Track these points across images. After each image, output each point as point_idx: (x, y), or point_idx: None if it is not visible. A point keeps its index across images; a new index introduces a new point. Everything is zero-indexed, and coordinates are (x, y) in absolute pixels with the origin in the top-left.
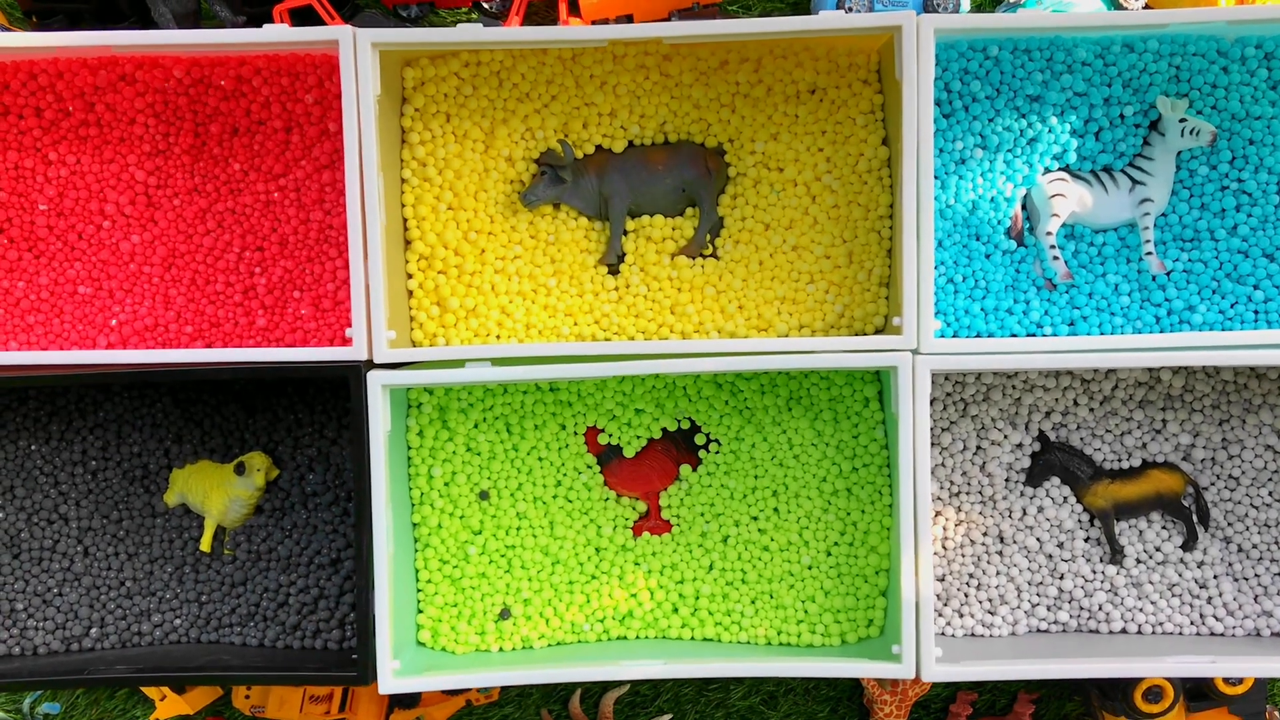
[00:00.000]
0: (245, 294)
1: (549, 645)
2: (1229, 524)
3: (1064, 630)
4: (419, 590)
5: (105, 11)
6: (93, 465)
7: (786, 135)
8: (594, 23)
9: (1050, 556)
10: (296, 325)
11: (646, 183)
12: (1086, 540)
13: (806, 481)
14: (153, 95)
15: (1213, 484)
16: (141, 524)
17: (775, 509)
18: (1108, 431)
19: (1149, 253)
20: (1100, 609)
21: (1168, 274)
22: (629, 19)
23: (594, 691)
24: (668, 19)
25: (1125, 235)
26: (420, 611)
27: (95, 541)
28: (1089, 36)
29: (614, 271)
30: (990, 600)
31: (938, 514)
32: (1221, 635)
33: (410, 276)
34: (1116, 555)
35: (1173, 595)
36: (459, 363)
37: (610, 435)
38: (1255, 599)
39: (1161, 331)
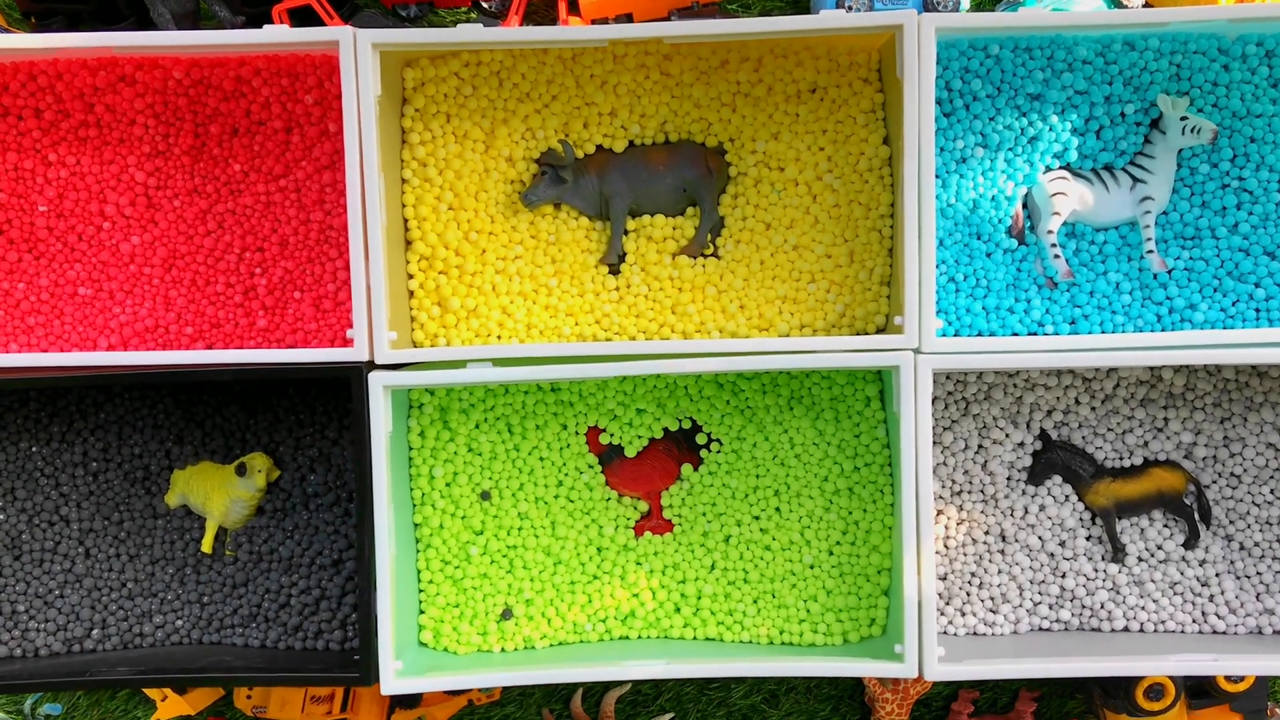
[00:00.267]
0: (246, 295)
1: (551, 645)
2: (1230, 522)
3: (1066, 629)
4: (421, 591)
5: (104, 12)
6: (94, 467)
7: (787, 134)
8: (594, 22)
9: (1052, 555)
10: (297, 326)
11: (647, 182)
12: (1088, 539)
13: (808, 481)
14: (152, 96)
15: (1214, 482)
16: (143, 525)
17: (777, 508)
18: (1109, 430)
19: (1150, 251)
20: (1102, 607)
21: (1169, 272)
22: (629, 18)
23: (596, 691)
24: (668, 18)
25: (1126, 233)
26: (422, 612)
27: (97, 543)
28: (1090, 35)
29: (615, 271)
30: (992, 599)
31: (939, 513)
32: (1223, 633)
33: (411, 277)
34: (1118, 553)
35: (1174, 593)
36: (460, 363)
37: (612, 435)
38: (1257, 597)
39: (1163, 330)
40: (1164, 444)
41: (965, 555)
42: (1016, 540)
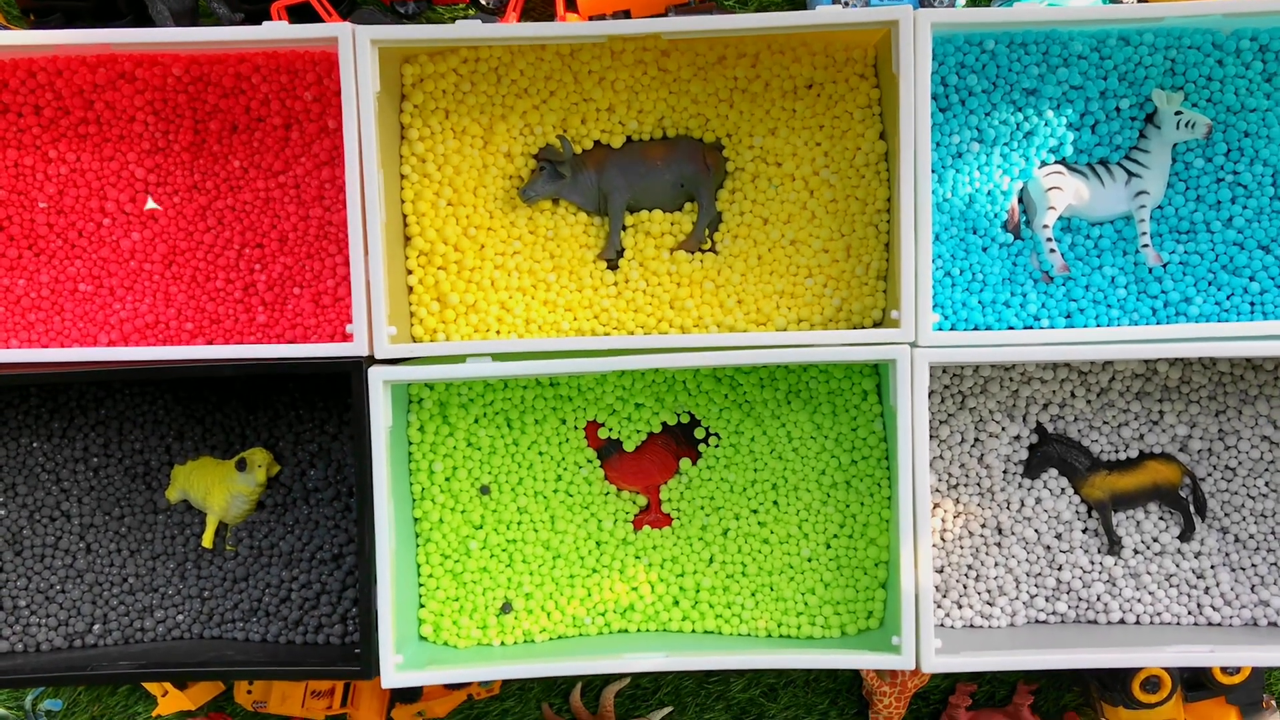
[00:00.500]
0: (245, 291)
1: (550, 639)
2: (1226, 514)
3: (1062, 621)
4: (421, 585)
5: (103, 9)
6: (94, 462)
7: (784, 130)
8: (591, 18)
9: (1048, 548)
10: (297, 322)
11: (645, 178)
12: (1084, 531)
13: (806, 475)
14: (152, 93)
15: (1210, 475)
16: (143, 520)
17: (775, 502)
18: (1105, 423)
19: (1145, 245)
20: (1098, 599)
21: (1164, 266)
22: (626, 14)
23: (595, 685)
24: (665, 14)
25: (1121, 228)
26: (422, 606)
27: (97, 538)
28: (1085, 30)
29: (613, 266)
30: (989, 591)
31: (936, 506)
32: (1219, 625)
33: (410, 272)
34: (1114, 546)
35: (1170, 585)
36: (459, 358)
37: (610, 429)
38: (1252, 589)
39: (1158, 323)
40: (1159, 437)
41: (962, 548)
42: (1013, 533)
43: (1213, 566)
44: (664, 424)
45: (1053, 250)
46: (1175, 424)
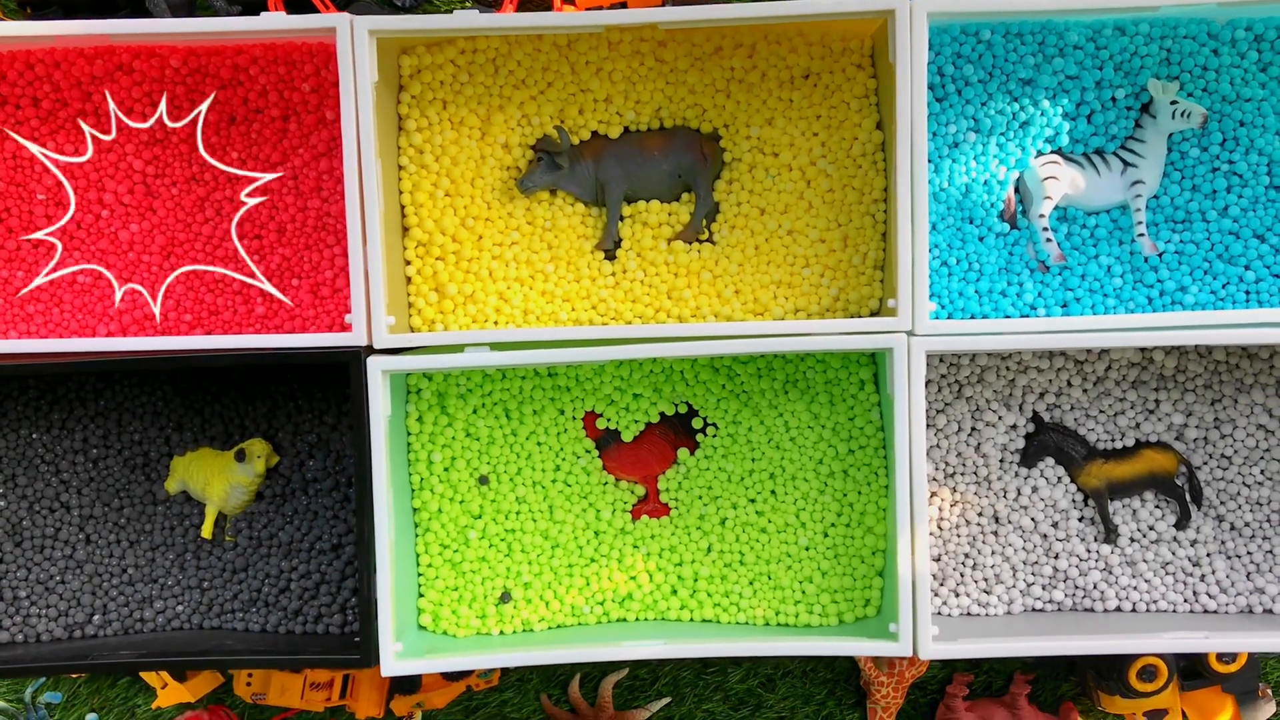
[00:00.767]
0: (244, 282)
1: (549, 628)
2: (1221, 502)
3: (1059, 609)
4: (420, 575)
5: (100, 1)
6: (94, 453)
7: (781, 120)
8: (588, 9)
9: (1045, 536)
10: (295, 312)
11: (642, 168)
12: (1081, 520)
13: (803, 464)
14: (150, 84)
15: (1205, 463)
16: (143, 511)
17: (772, 491)
18: (1101, 412)
19: (1141, 234)
20: (1095, 587)
21: (1160, 255)
22: (623, 5)
23: (593, 676)
24: (662, 4)
25: (1117, 217)
26: (421, 595)
27: (97, 529)
28: (1080, 20)
29: (610, 257)
30: (986, 580)
31: (933, 495)
32: (1214, 612)
33: (408, 263)
34: (1110, 534)
35: (1166, 573)
36: (458, 348)
37: (608, 420)
38: (1247, 576)
39: (1154, 312)
40: (1155, 425)
41: (959, 536)
42: (1010, 521)
43: (1208, 554)
44: (662, 414)
45: (1049, 240)
46: (1171, 412)
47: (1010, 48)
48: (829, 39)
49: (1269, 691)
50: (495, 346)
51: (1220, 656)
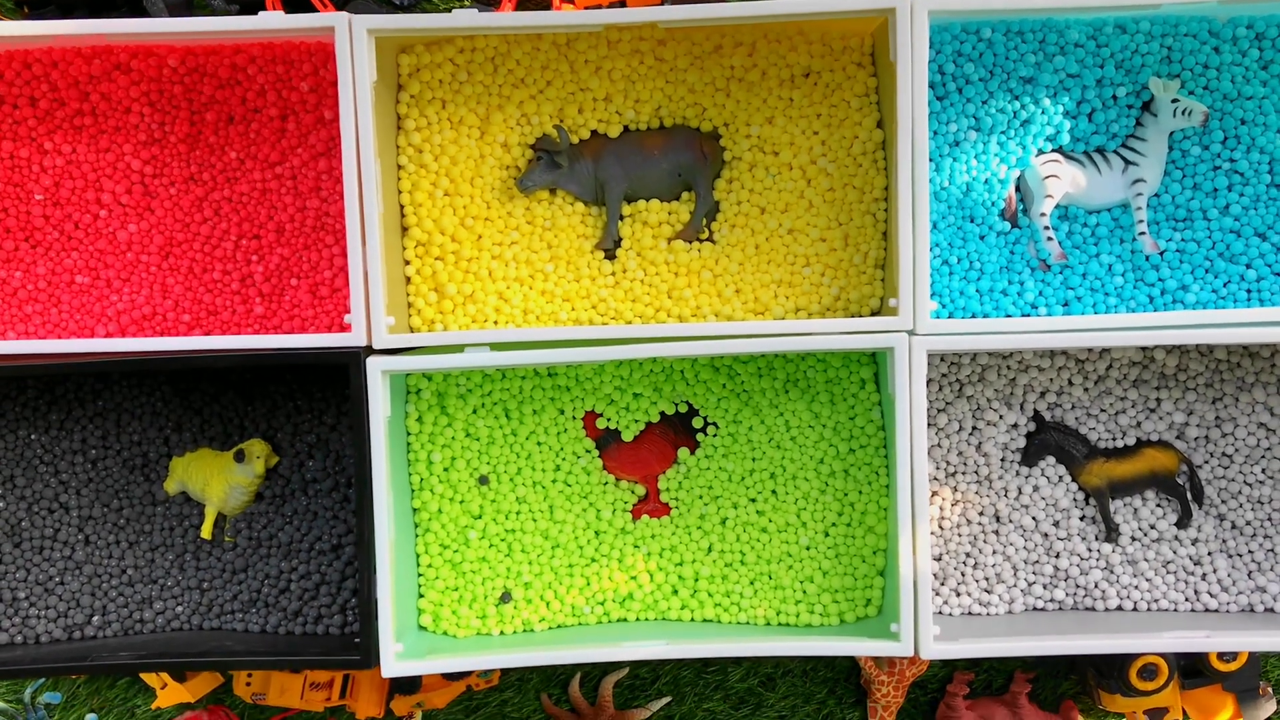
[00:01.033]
0: (243, 282)
1: (550, 628)
2: (1223, 501)
3: (1060, 608)
4: (420, 575)
5: (98, 0)
6: (93, 454)
7: (781, 119)
8: (587, 7)
9: (1046, 535)
10: (294, 313)
11: (642, 167)
12: (1082, 519)
13: (804, 463)
14: (148, 84)
15: (1206, 462)
16: (142, 512)
17: (773, 491)
18: (1102, 411)
19: (1142, 233)
20: (1096, 586)
21: (1161, 254)
22: (622, 3)
23: (593, 676)
24: (661, 3)
25: (1119, 216)
26: (421, 596)
27: (96, 530)
28: (1081, 18)
29: (610, 256)
30: (987, 579)
31: (934, 494)
32: (1215, 611)
33: (408, 263)
34: (1112, 533)
35: (1167, 572)
36: (458, 348)
37: (608, 419)
38: (1249, 575)
39: (1155, 311)
40: (1156, 424)
41: (960, 536)
42: (1011, 520)
43: (1209, 553)
44: (662, 413)
45: (1050, 238)
46: (1172, 411)
47: (1011, 46)
48: (829, 37)
49: (1269, 690)
50: (495, 346)
51: (1221, 655)
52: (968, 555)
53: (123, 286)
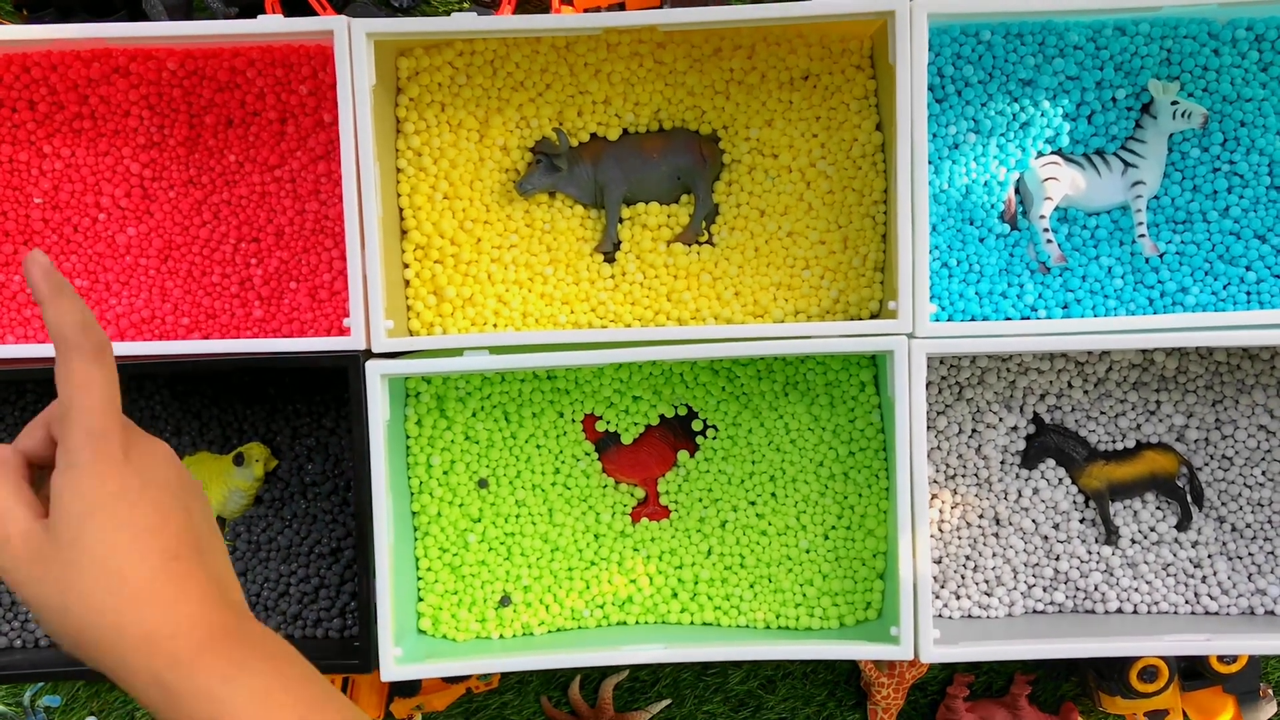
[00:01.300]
0: (242, 285)
1: (549, 632)
2: (1223, 504)
3: (1060, 611)
4: (419, 578)
5: (96, 4)
6: None
7: (781, 121)
8: (586, 10)
9: (1046, 538)
10: (293, 316)
11: (641, 170)
12: (1082, 521)
13: (803, 466)
14: (146, 87)
15: (1206, 464)
16: None
17: (773, 494)
18: (1102, 413)
19: (1142, 235)
20: (1096, 589)
21: (1160, 256)
22: (621, 6)
23: (593, 678)
24: (660, 6)
25: (1118, 218)
26: (421, 599)
27: None
28: (1081, 20)
29: (610, 259)
30: (987, 582)
31: (934, 497)
32: (1216, 614)
33: (407, 266)
34: (1111, 536)
35: (1168, 575)
36: (457, 351)
37: (608, 422)
38: (1249, 578)
39: (1155, 313)
40: (1156, 427)
41: (959, 539)
42: (1010, 523)
43: (1210, 555)
44: (662, 416)
45: (1049, 241)
46: (1172, 414)
47: (1010, 48)
48: (828, 40)
49: (1270, 692)
50: (494, 349)
51: (1221, 657)
52: (967, 558)
53: (122, 290)
